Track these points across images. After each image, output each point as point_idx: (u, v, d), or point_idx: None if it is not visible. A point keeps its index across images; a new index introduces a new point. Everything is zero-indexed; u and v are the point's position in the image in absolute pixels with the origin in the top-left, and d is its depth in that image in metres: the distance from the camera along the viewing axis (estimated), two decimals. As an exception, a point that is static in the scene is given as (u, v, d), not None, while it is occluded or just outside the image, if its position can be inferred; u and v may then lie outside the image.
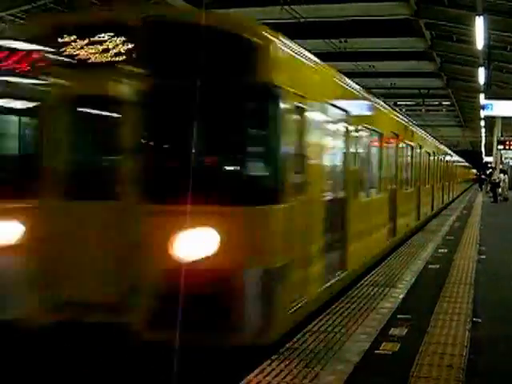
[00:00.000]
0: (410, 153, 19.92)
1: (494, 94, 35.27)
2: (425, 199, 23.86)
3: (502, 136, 46.85)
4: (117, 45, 7.25)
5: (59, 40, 7.46)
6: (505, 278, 12.50)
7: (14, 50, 7.65)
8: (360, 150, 12.25)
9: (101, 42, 7.32)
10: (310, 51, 9.50)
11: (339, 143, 10.81)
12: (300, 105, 8.05)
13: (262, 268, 7.01)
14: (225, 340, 6.78)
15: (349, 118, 10.93)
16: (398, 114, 19.89)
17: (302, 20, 22.71)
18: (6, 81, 7.73)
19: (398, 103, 46.82)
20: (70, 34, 7.39)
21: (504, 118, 42.63)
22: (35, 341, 6.98)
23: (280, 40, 7.65)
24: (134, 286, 6.83)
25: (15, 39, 7.79)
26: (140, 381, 6.96)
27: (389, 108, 18.32)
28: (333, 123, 10.16)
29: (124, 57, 7.26)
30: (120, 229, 6.99)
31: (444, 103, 53.75)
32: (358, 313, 9.10)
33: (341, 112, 10.52)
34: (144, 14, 7.54)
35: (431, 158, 26.58)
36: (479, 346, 7.70)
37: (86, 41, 7.34)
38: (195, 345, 6.54)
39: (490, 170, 68.00)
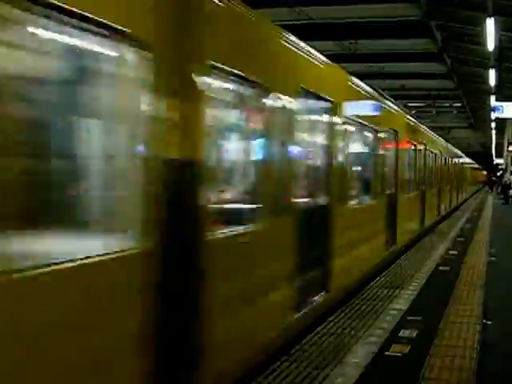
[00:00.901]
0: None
1: (505, 96, 35.13)
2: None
3: (512, 138, 46.72)
4: None
5: None
6: (516, 280, 12.48)
7: None
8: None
9: None
10: (320, 52, 9.48)
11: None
12: None
13: None
14: None
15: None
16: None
17: (312, 21, 22.67)
18: None
19: (409, 105, 46.71)
20: None
21: (515, 120, 42.49)
22: None
23: None
24: None
25: None
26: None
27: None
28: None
29: None
30: None
31: (455, 105, 53.58)
32: (368, 314, 9.09)
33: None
34: None
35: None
36: (490, 348, 7.68)
37: None
38: None
39: (501, 172, 67.77)
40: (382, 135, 13.72)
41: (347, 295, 10.20)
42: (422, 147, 20.79)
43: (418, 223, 19.71)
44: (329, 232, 9.37)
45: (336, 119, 9.79)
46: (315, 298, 8.81)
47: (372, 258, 12.70)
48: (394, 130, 15.34)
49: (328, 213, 9.38)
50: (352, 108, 10.78)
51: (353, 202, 11.17)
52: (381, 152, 13.85)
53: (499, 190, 55.21)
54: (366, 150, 13.30)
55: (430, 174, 23.31)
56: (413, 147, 19.07)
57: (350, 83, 11.30)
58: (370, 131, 12.98)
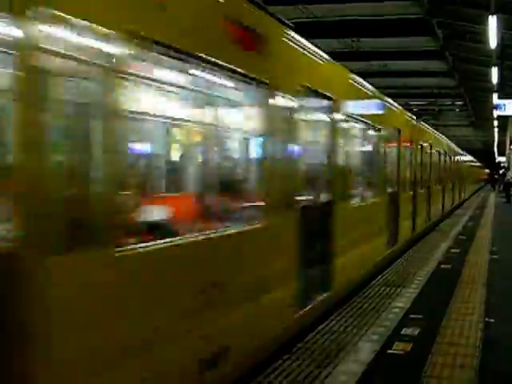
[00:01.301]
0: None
1: (507, 93, 35.09)
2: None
3: (514, 136, 46.67)
4: None
5: None
6: (518, 279, 12.47)
7: None
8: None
9: None
10: (323, 50, 9.50)
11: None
12: None
13: None
14: None
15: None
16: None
17: (315, 19, 22.66)
18: None
19: (410, 103, 46.70)
20: None
21: (517, 118, 42.45)
22: None
23: None
24: None
25: None
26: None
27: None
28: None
29: None
30: None
31: (456, 103, 53.49)
32: (371, 312, 9.10)
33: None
34: None
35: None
36: (492, 346, 7.68)
37: None
38: None
39: (503, 170, 67.70)
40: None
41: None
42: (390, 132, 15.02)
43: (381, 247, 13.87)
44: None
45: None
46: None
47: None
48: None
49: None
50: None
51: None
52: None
53: (501, 188, 55.15)
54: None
55: (407, 171, 17.52)
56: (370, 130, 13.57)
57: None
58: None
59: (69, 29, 4.19)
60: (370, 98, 13.17)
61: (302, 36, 8.51)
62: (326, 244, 9.35)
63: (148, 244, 5.07)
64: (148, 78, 6.77)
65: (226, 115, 7.73)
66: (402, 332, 8.14)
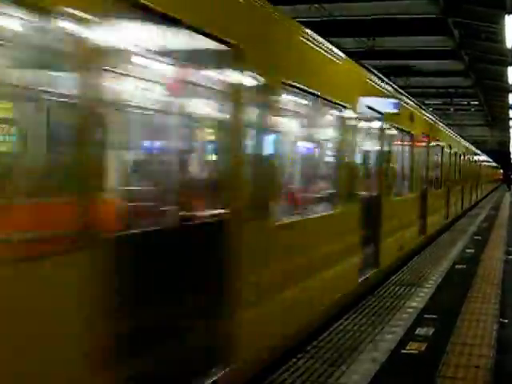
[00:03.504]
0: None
1: (523, 94, 34.94)
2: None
3: (530, 136, 46.40)
4: None
5: None
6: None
7: None
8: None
9: None
10: (339, 49, 9.51)
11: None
12: None
13: None
14: None
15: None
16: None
17: (331, 18, 22.63)
18: None
19: (426, 102, 46.58)
20: None
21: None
22: None
23: None
24: None
25: None
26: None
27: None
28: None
29: None
30: None
31: (472, 103, 53.29)
32: (385, 312, 9.09)
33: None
34: None
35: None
36: (506, 346, 7.65)
37: None
38: None
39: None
40: None
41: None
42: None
43: None
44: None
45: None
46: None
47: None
48: None
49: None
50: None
51: None
52: None
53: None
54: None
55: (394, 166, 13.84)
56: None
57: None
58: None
59: None
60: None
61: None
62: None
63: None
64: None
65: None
66: (417, 332, 8.13)
